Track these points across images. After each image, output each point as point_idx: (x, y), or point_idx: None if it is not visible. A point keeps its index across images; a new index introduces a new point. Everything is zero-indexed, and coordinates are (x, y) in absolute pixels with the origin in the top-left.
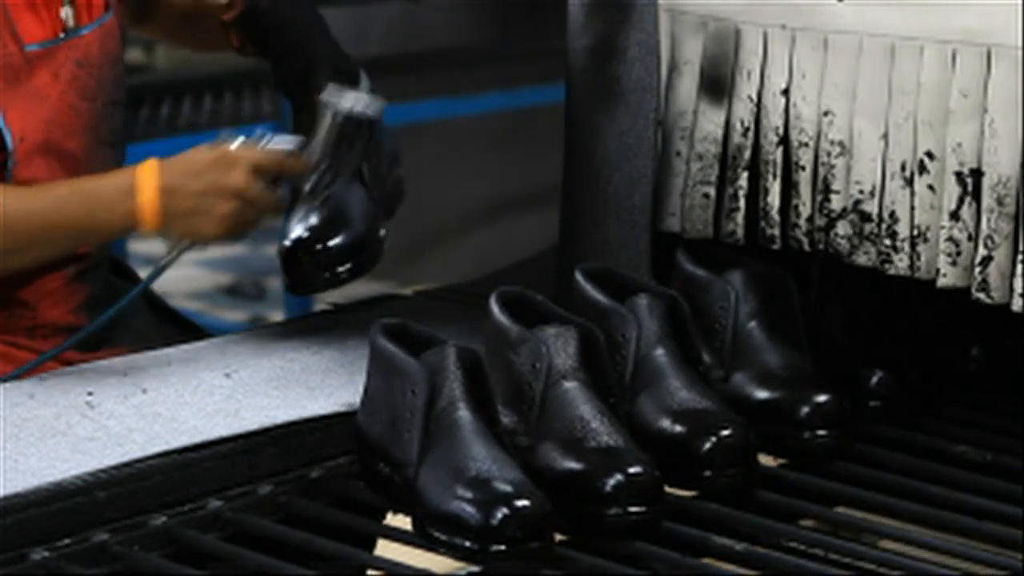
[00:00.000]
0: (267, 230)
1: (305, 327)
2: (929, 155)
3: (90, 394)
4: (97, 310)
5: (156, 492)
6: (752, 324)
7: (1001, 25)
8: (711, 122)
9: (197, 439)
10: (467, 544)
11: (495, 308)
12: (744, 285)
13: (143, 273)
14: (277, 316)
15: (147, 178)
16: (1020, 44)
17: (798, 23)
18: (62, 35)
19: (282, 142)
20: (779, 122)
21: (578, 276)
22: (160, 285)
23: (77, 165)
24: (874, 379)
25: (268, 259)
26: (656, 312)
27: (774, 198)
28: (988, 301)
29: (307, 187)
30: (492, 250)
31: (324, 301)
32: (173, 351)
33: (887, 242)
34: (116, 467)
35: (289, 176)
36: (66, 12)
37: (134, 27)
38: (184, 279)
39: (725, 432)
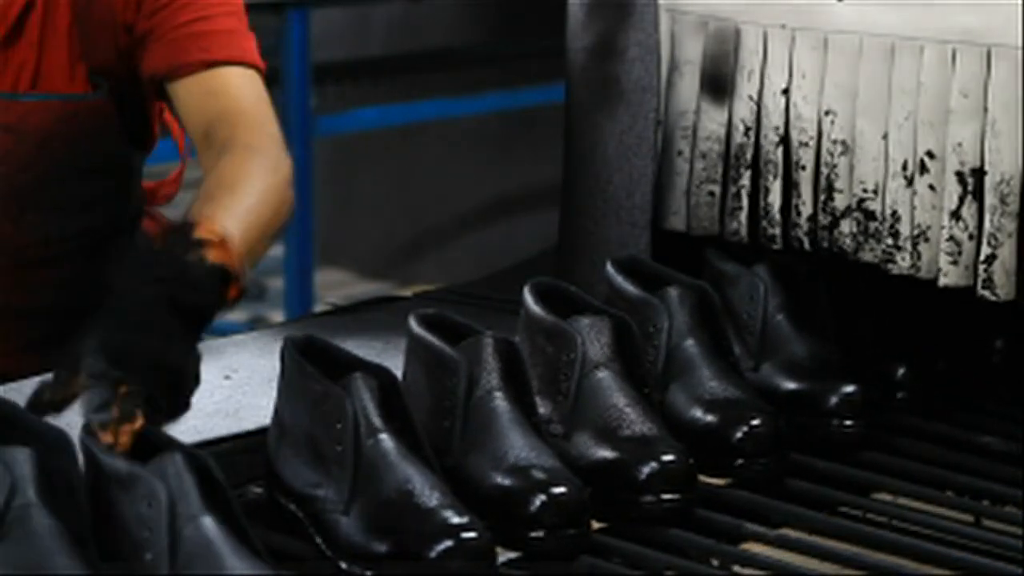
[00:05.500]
0: None
1: (305, 327)
2: (930, 155)
3: None
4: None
5: None
6: (780, 316)
7: (1001, 25)
8: (713, 121)
9: (196, 439)
10: (505, 530)
11: (529, 298)
12: (772, 278)
13: None
14: (277, 316)
15: None
16: (1020, 44)
17: (798, 23)
18: None
19: None
20: (779, 122)
21: (609, 268)
22: None
23: None
24: (900, 371)
25: (268, 259)
26: (687, 303)
27: (775, 197)
28: (993, 299)
29: None
30: (492, 250)
31: (324, 301)
32: None
33: (889, 241)
34: None
35: None
36: None
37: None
38: None
39: (756, 421)
